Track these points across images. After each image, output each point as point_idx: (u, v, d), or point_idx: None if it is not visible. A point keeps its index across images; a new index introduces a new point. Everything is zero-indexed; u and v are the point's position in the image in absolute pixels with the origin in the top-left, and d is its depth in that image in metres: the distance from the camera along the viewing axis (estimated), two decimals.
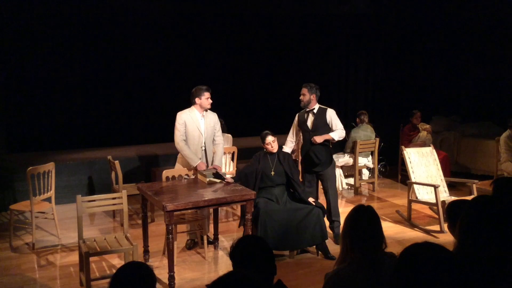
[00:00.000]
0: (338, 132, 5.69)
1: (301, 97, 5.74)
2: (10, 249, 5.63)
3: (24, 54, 8.35)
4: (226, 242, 5.80)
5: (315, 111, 5.74)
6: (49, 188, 5.82)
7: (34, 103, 8.61)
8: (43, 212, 6.04)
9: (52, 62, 8.61)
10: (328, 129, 5.69)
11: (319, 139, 5.56)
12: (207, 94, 5.46)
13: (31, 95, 8.57)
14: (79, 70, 8.87)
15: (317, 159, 5.65)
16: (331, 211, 5.77)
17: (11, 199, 6.91)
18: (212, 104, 5.55)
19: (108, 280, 4.58)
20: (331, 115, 5.73)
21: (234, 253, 2.32)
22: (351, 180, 8.30)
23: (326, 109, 5.77)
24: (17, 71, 8.30)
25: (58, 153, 8.11)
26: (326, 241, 5.33)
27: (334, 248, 5.36)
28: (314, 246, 5.36)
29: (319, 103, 5.79)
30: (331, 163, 5.81)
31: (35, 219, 5.67)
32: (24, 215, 6.61)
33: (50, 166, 5.79)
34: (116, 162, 6.27)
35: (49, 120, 8.75)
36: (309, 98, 5.71)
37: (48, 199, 5.88)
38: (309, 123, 5.75)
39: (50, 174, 5.79)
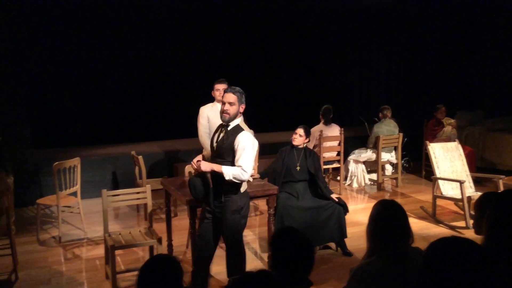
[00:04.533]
0: (233, 170, 3.76)
1: (227, 107, 3.83)
2: (37, 242, 5.76)
3: (50, 52, 8.48)
4: (248, 236, 5.81)
5: (229, 127, 3.90)
6: (75, 182, 5.92)
7: (59, 100, 8.75)
8: (69, 206, 6.15)
9: (78, 59, 8.72)
10: (232, 158, 3.84)
11: (205, 166, 3.86)
12: (217, 86, 5.42)
13: (57, 92, 8.71)
14: (103, 67, 8.97)
15: (194, 192, 3.99)
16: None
17: (37, 194, 7.06)
18: None
19: (133, 273, 4.66)
20: (243, 142, 3.77)
21: (277, 241, 2.33)
22: (374, 176, 8.23)
23: (242, 130, 3.85)
24: (43, 68, 8.43)
25: (83, 149, 8.23)
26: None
27: (353, 245, 5.34)
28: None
29: None
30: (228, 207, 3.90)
31: (61, 213, 5.79)
32: (51, 209, 6.74)
33: (76, 161, 5.89)
34: (140, 157, 6.34)
35: (74, 117, 8.89)
36: (238, 109, 3.88)
37: (74, 194, 5.99)
38: (214, 142, 4.00)
39: (75, 169, 5.89)
